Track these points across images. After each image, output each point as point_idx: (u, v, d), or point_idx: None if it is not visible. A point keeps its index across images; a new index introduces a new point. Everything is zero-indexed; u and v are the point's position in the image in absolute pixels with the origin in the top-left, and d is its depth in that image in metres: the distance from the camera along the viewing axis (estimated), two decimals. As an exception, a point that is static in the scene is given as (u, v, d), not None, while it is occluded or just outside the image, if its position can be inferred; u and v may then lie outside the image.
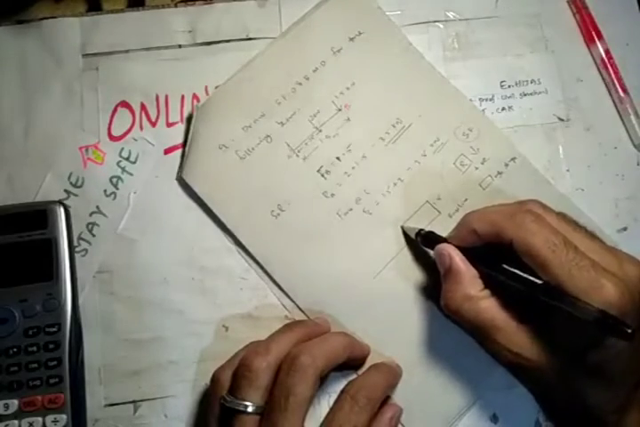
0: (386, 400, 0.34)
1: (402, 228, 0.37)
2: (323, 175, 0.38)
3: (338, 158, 0.38)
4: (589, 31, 0.41)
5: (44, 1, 0.41)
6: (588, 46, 0.41)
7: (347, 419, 0.31)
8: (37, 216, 0.36)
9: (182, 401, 0.35)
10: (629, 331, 0.25)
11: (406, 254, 0.37)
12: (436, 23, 0.41)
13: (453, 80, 0.40)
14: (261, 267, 0.37)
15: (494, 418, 0.35)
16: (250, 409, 0.30)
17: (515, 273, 0.30)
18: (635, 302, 0.28)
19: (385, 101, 0.39)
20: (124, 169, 0.38)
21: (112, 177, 0.38)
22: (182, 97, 0.39)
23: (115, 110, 0.39)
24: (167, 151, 0.39)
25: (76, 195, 0.38)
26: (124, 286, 0.37)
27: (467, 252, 0.33)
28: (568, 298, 0.28)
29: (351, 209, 0.38)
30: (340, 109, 0.39)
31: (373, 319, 0.36)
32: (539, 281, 0.29)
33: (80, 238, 0.37)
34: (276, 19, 0.40)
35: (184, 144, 0.39)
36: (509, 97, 0.40)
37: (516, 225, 0.30)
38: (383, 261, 0.37)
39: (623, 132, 0.40)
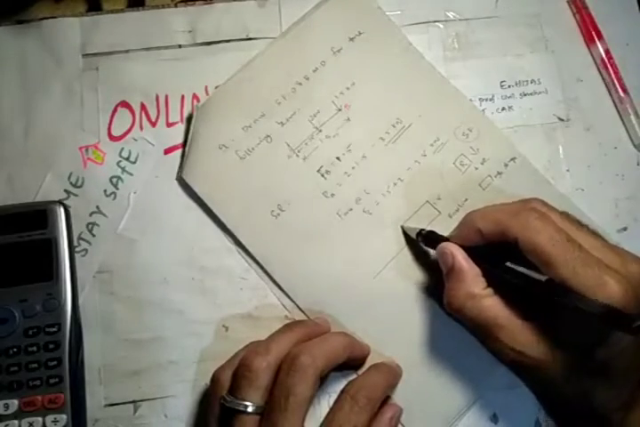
0: (386, 400, 0.34)
1: (402, 228, 0.37)
2: (323, 175, 0.38)
3: (338, 158, 0.38)
4: (589, 31, 0.41)
5: (44, 1, 0.41)
6: (588, 46, 0.41)
7: (347, 419, 0.31)
8: (37, 216, 0.36)
9: (182, 401, 0.35)
10: (635, 325, 0.25)
11: (406, 254, 0.37)
12: (436, 23, 0.41)
13: (453, 80, 0.40)
14: (261, 267, 0.37)
15: (494, 418, 0.35)
16: (250, 409, 0.30)
17: (518, 271, 0.30)
18: (638, 299, 0.28)
19: (385, 101, 0.39)
20: (123, 169, 0.38)
21: (112, 177, 0.38)
22: (182, 97, 0.39)
23: (115, 110, 0.39)
24: (167, 151, 0.39)
25: (76, 195, 0.38)
26: (124, 286, 0.37)
27: (469, 251, 0.33)
28: (573, 294, 0.28)
29: (351, 209, 0.38)
30: (340, 109, 0.39)
31: (373, 319, 0.36)
32: (542, 278, 0.29)
33: (80, 238, 0.37)
34: (276, 19, 0.40)
35: (184, 144, 0.39)
36: (509, 97, 0.40)
37: (521, 223, 0.30)
38: (383, 261, 0.37)
39: (623, 132, 0.40)
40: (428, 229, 0.36)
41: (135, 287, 0.37)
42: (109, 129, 0.39)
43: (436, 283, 0.36)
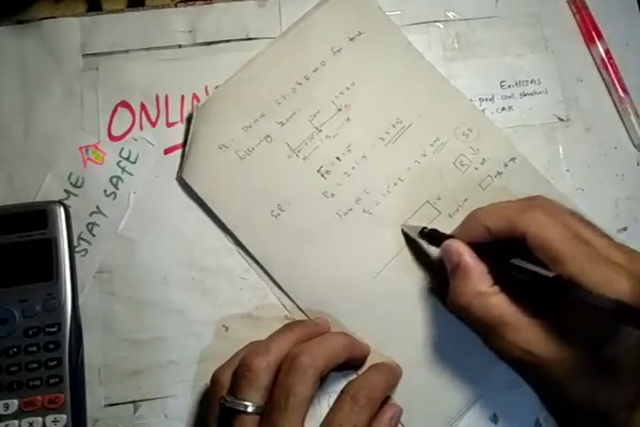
0: (386, 400, 0.34)
1: (404, 226, 0.37)
2: (323, 175, 0.38)
3: (338, 158, 0.38)
4: (589, 31, 0.41)
5: (44, 1, 0.41)
6: (588, 46, 0.41)
7: (347, 419, 0.31)
8: (37, 216, 0.36)
9: (182, 401, 0.35)
10: None
11: (406, 254, 0.37)
12: (436, 23, 0.41)
13: (453, 80, 0.40)
14: (261, 267, 0.37)
15: (494, 418, 0.35)
16: (250, 409, 0.30)
17: (525, 267, 0.30)
18: None
19: (385, 101, 0.39)
20: (124, 169, 0.38)
21: (112, 177, 0.38)
22: (182, 97, 0.39)
23: (115, 110, 0.39)
24: (167, 151, 0.39)
25: (76, 195, 0.38)
26: (124, 286, 0.37)
27: (474, 248, 0.33)
28: (582, 290, 0.27)
29: (351, 209, 0.38)
30: (340, 109, 0.39)
31: (373, 319, 0.36)
32: (550, 274, 0.29)
33: (80, 238, 0.37)
34: (276, 19, 0.40)
35: (184, 144, 0.39)
36: (509, 97, 0.40)
37: (530, 219, 0.30)
38: (383, 261, 0.37)
39: (623, 132, 0.40)
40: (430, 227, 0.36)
41: (135, 287, 0.37)
42: (109, 129, 0.39)
43: (437, 283, 0.37)
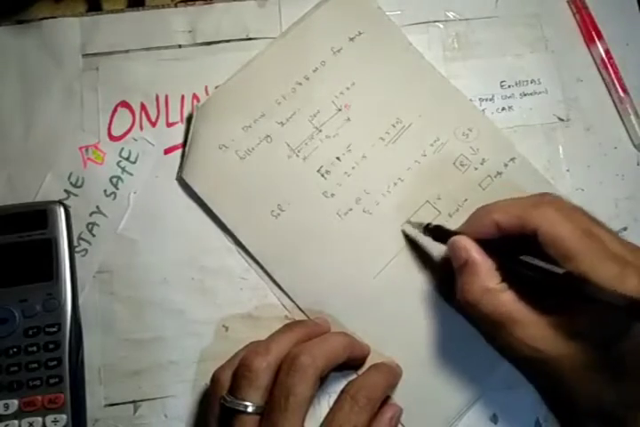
0: (386, 400, 0.34)
1: (407, 224, 0.37)
2: (323, 175, 0.38)
3: (338, 158, 0.38)
4: (589, 31, 0.41)
5: (44, 1, 0.41)
6: (588, 46, 0.41)
7: (347, 419, 0.31)
8: (37, 216, 0.36)
9: (182, 401, 0.35)
10: None
11: (406, 254, 0.37)
12: (436, 23, 0.41)
13: (453, 80, 0.40)
14: (261, 267, 0.37)
15: (494, 418, 0.35)
16: (250, 409, 0.30)
17: (535, 264, 0.30)
18: None
19: (385, 101, 0.39)
20: (124, 169, 0.38)
21: (112, 177, 0.38)
22: (182, 97, 0.39)
23: (115, 110, 0.39)
24: (167, 151, 0.39)
25: (76, 195, 0.38)
26: (124, 286, 0.37)
27: (481, 244, 0.32)
28: (594, 287, 0.27)
29: (351, 209, 0.38)
30: (339, 109, 0.39)
31: (373, 319, 0.36)
32: (561, 271, 0.29)
33: (80, 238, 0.37)
34: (276, 19, 0.40)
35: (184, 144, 0.39)
36: (509, 97, 0.40)
37: (541, 215, 0.30)
38: (383, 261, 0.37)
39: (623, 132, 0.40)
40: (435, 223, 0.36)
41: (135, 287, 0.37)
42: (109, 129, 0.39)
43: (438, 282, 0.37)
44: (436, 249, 0.37)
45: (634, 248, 0.30)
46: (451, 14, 0.41)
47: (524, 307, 0.31)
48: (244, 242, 0.37)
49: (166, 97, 0.39)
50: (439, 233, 0.35)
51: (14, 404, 0.33)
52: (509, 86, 0.40)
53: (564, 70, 0.41)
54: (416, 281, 0.37)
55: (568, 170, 0.39)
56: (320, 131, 0.39)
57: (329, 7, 0.40)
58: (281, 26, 0.40)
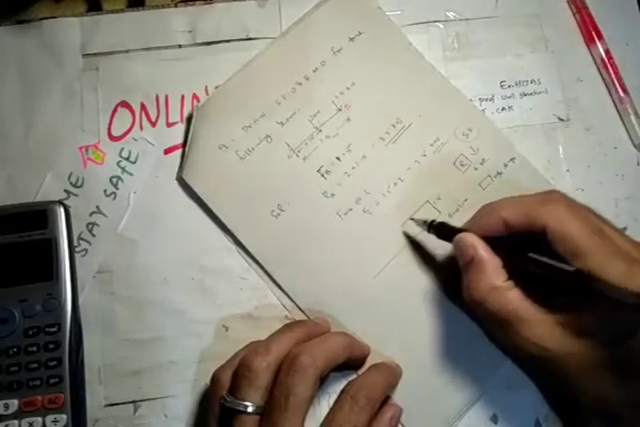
0: (386, 400, 0.33)
1: (411, 220, 0.37)
2: (323, 175, 0.38)
3: (338, 158, 0.38)
4: (589, 31, 0.41)
5: (44, 1, 0.41)
6: (588, 46, 0.41)
7: (347, 419, 0.31)
8: (37, 216, 0.36)
9: (182, 401, 0.35)
10: None
11: (406, 254, 0.37)
12: (436, 23, 0.41)
13: (453, 80, 0.40)
14: (261, 267, 0.37)
15: (494, 418, 0.35)
16: (250, 409, 0.30)
17: (543, 261, 0.30)
18: None
19: (385, 101, 0.39)
20: (124, 169, 0.38)
21: (112, 177, 0.38)
22: (182, 97, 0.39)
23: (115, 110, 0.39)
24: (167, 151, 0.39)
25: (76, 195, 0.38)
26: (124, 286, 0.37)
27: (488, 242, 0.32)
28: (604, 284, 0.27)
29: (351, 209, 0.38)
30: (339, 109, 0.39)
31: (373, 319, 0.36)
32: (570, 268, 0.29)
33: (80, 238, 0.37)
34: (276, 19, 0.40)
35: (184, 144, 0.39)
36: (509, 97, 0.40)
37: (551, 212, 0.30)
38: (383, 261, 0.37)
39: (623, 132, 0.40)
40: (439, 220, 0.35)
41: (135, 287, 0.37)
42: (109, 129, 0.39)
43: (439, 282, 0.36)
44: (438, 248, 0.37)
45: None
46: (451, 14, 0.41)
47: (531, 305, 0.31)
48: (244, 242, 0.37)
49: (166, 97, 0.39)
50: (444, 230, 0.35)
51: (14, 404, 0.33)
52: (509, 86, 0.40)
53: (564, 70, 0.41)
54: (416, 281, 0.37)
55: (568, 170, 0.39)
56: (320, 131, 0.39)
57: (329, 7, 0.40)
58: (281, 26, 0.40)
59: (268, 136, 0.38)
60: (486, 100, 0.40)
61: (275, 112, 0.39)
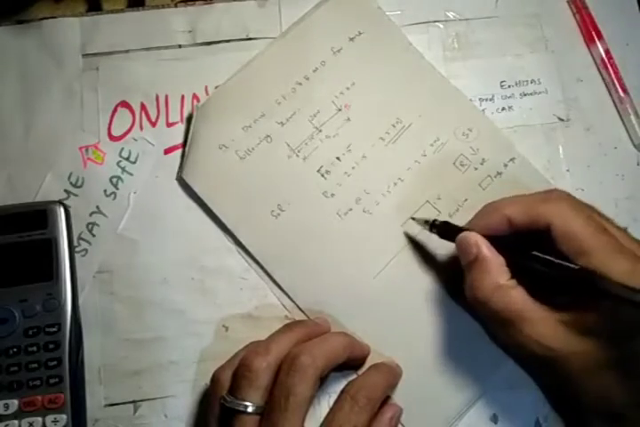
0: (386, 400, 0.33)
1: (412, 219, 0.37)
2: (323, 175, 0.38)
3: (338, 158, 0.38)
4: (589, 31, 0.41)
5: (44, 1, 0.41)
6: (588, 46, 0.41)
7: (347, 419, 0.30)
8: (37, 216, 0.36)
9: (182, 401, 0.35)
10: None
11: (407, 254, 0.37)
12: (436, 23, 0.41)
13: (453, 80, 0.40)
14: (261, 267, 0.37)
15: (494, 418, 0.35)
16: (250, 409, 0.30)
17: (547, 259, 0.30)
18: None
19: (385, 101, 0.39)
20: (124, 169, 0.38)
21: (112, 177, 0.38)
22: (182, 97, 0.39)
23: (115, 110, 0.39)
24: (167, 151, 0.39)
25: (76, 195, 0.38)
26: (124, 286, 0.37)
27: (490, 240, 0.32)
28: (609, 282, 0.27)
29: (351, 209, 0.38)
30: (339, 109, 0.39)
31: (373, 319, 0.36)
32: (575, 266, 0.29)
33: (80, 238, 0.37)
34: (276, 19, 0.40)
35: (184, 144, 0.39)
36: (509, 97, 0.40)
37: (554, 210, 0.30)
38: (383, 261, 0.37)
39: (623, 132, 0.40)
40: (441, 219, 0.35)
41: (135, 287, 0.37)
42: (109, 129, 0.39)
43: (440, 281, 0.36)
44: (438, 247, 0.37)
45: None
46: (451, 14, 0.41)
47: (535, 304, 0.31)
48: (244, 242, 0.37)
49: (166, 97, 0.39)
50: (446, 230, 0.34)
51: (14, 404, 0.33)
52: (509, 86, 0.40)
53: (564, 70, 0.41)
54: (416, 281, 0.37)
55: (568, 170, 0.39)
56: (320, 131, 0.39)
57: (329, 7, 0.40)
58: (281, 26, 0.40)
59: (268, 136, 0.38)
60: (486, 100, 0.40)
61: (275, 112, 0.39)
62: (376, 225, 0.37)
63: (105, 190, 0.38)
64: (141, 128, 0.39)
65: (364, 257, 0.37)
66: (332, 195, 0.38)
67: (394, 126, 0.39)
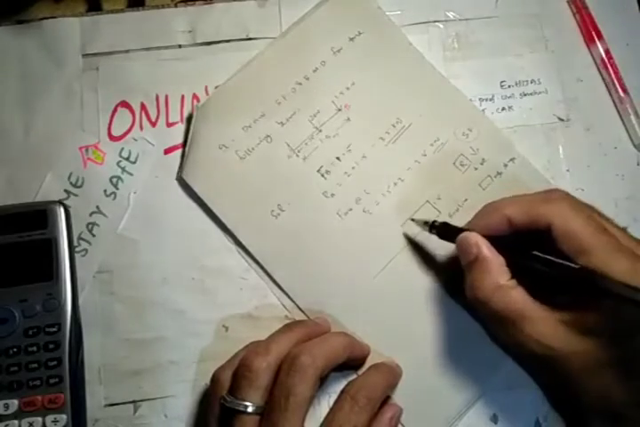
0: (386, 400, 0.34)
1: (411, 220, 0.37)
2: (323, 175, 0.38)
3: (338, 158, 0.38)
4: (589, 31, 0.41)
5: (43, 1, 0.41)
6: (588, 46, 0.41)
7: (347, 419, 0.31)
8: (37, 216, 0.36)
9: (182, 401, 0.35)
10: None
11: (406, 254, 0.37)
12: (436, 23, 0.41)
13: (453, 80, 0.40)
14: (261, 267, 0.37)
15: (494, 418, 0.35)
16: (250, 409, 0.30)
17: (548, 259, 0.30)
18: None
19: (385, 101, 0.39)
20: (124, 169, 0.38)
21: (112, 177, 0.38)
22: (182, 97, 0.39)
23: (115, 110, 0.39)
24: (167, 151, 0.39)
25: (76, 195, 0.38)
26: (125, 286, 0.37)
27: (491, 241, 0.32)
28: (609, 281, 0.27)
29: (351, 209, 0.38)
30: (339, 109, 0.39)
31: (373, 319, 0.36)
32: (576, 266, 0.29)
33: (80, 238, 0.37)
34: (276, 19, 0.40)
35: (184, 144, 0.39)
36: (509, 97, 0.40)
37: (555, 210, 0.31)
38: (383, 261, 0.37)
39: (623, 132, 0.40)
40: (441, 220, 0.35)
41: (135, 287, 0.37)
42: (109, 129, 0.39)
43: (438, 282, 0.37)
44: (438, 248, 0.37)
45: None
46: (451, 14, 0.41)
47: (535, 304, 0.31)
48: (243, 242, 0.37)
49: (166, 97, 0.39)
50: (446, 230, 0.34)
51: (14, 404, 0.33)
52: (509, 86, 0.40)
53: (564, 70, 0.41)
54: (416, 281, 0.37)
55: (568, 170, 0.39)
56: (320, 131, 0.39)
57: (329, 7, 0.40)
58: (281, 26, 0.40)
59: (268, 136, 0.38)
60: (486, 100, 0.40)
61: (275, 112, 0.39)
62: (376, 225, 0.37)
63: (105, 190, 0.38)
64: (141, 128, 0.39)
65: (364, 257, 0.37)
66: (332, 195, 0.38)
67: (394, 126, 0.39)
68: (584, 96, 0.40)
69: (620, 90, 0.40)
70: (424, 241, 0.37)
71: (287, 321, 0.36)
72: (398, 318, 0.36)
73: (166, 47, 0.40)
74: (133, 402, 0.35)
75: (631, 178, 0.39)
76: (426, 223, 0.35)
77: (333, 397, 0.33)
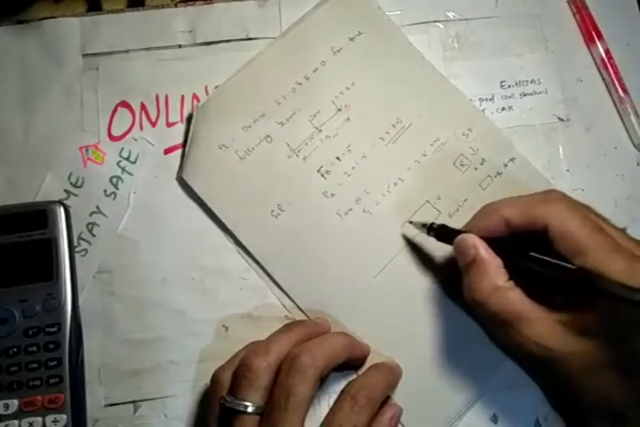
0: (386, 400, 0.33)
1: (409, 223, 0.37)
2: (323, 175, 0.38)
3: (338, 158, 0.38)
4: (589, 31, 0.41)
5: (44, 1, 0.41)
6: (588, 46, 0.41)
7: (347, 419, 0.31)
8: (37, 216, 0.36)
9: (182, 401, 0.35)
10: None
11: (406, 254, 0.37)
12: (436, 23, 0.41)
13: (453, 80, 0.40)
14: (261, 267, 0.37)
15: (494, 418, 0.35)
16: (250, 409, 0.30)
17: (545, 260, 0.30)
18: None
19: (385, 101, 0.39)
20: (124, 169, 0.38)
21: (112, 177, 0.38)
22: (182, 97, 0.39)
23: (115, 110, 0.39)
24: (167, 151, 0.39)
25: (76, 195, 0.38)
26: (125, 286, 0.37)
27: (488, 242, 0.32)
28: (606, 281, 0.27)
29: (351, 209, 0.38)
30: (339, 109, 0.39)
31: (373, 319, 0.36)
32: (573, 266, 0.29)
33: (80, 238, 0.37)
34: (276, 19, 0.40)
35: (184, 144, 0.39)
36: (509, 97, 0.40)
37: (552, 211, 0.31)
38: (383, 261, 0.37)
39: (623, 132, 0.40)
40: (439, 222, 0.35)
41: (135, 287, 0.37)
42: (109, 129, 0.39)
43: (437, 283, 0.36)
44: (437, 249, 0.37)
45: None
46: (451, 14, 0.41)
47: (533, 305, 0.31)
48: (243, 242, 0.37)
49: (166, 97, 0.39)
50: (443, 232, 0.35)
51: (14, 404, 0.33)
52: (509, 86, 0.40)
53: (564, 70, 0.41)
54: (416, 281, 0.37)
55: (568, 170, 0.39)
56: (320, 131, 0.39)
57: (329, 7, 0.40)
58: (281, 26, 0.40)
59: (268, 136, 0.38)
60: (486, 100, 0.40)
61: (275, 112, 0.39)
62: (376, 225, 0.37)
63: (105, 190, 0.38)
64: (141, 128, 0.39)
65: (364, 257, 0.37)
66: (332, 195, 0.38)
67: (394, 126, 0.39)
68: (584, 96, 0.40)
69: (620, 90, 0.40)
70: (423, 242, 0.37)
71: (287, 321, 0.36)
72: (398, 318, 0.36)
73: (166, 47, 0.40)
74: (133, 402, 0.35)
75: (631, 178, 0.39)
76: (424, 226, 0.35)
77: (333, 397, 0.33)
